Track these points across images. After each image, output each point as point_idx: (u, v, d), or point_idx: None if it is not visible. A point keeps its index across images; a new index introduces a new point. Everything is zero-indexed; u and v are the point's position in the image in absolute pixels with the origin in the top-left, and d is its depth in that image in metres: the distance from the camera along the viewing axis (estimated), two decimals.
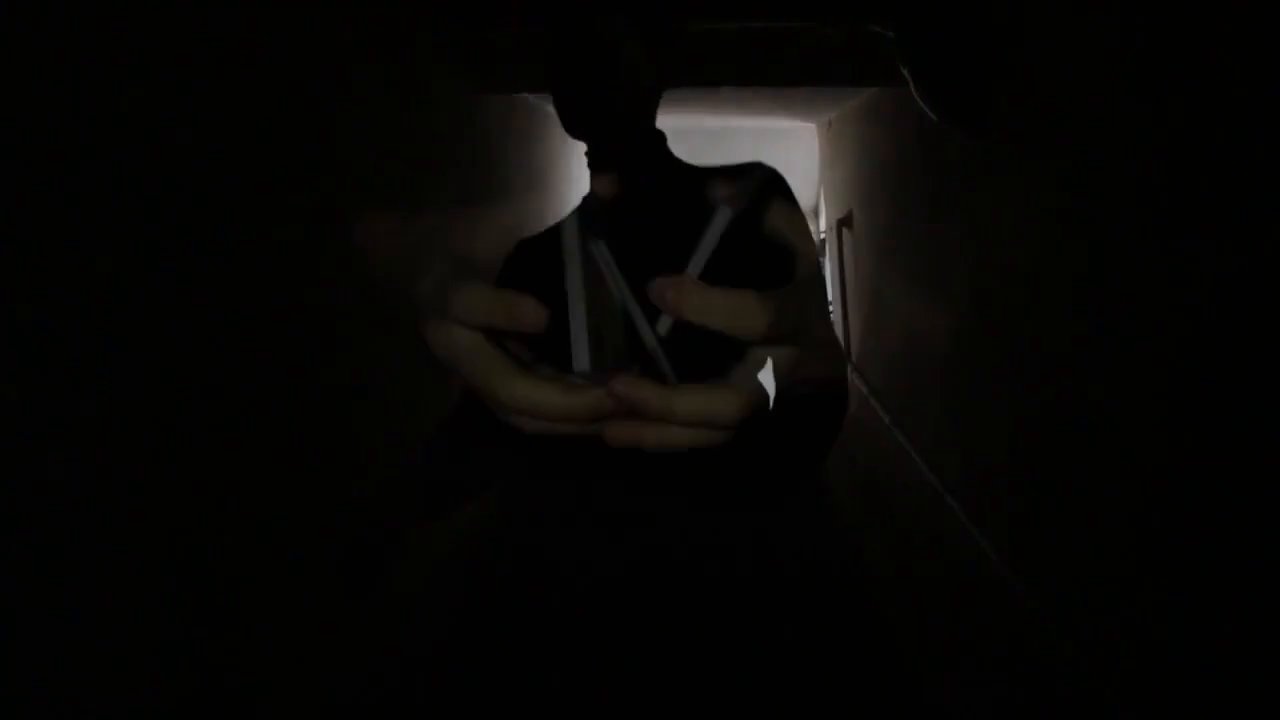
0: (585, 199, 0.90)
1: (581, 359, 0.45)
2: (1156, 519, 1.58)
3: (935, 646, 2.00)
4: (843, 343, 4.45)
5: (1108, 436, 1.76)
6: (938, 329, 3.00)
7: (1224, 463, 1.38)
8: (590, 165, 0.92)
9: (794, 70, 2.90)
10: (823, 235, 5.12)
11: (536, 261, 0.85)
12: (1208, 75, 1.39)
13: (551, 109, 0.92)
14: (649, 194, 0.84)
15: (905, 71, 2.21)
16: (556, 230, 0.87)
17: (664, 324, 0.49)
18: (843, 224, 4.62)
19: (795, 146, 5.53)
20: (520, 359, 0.71)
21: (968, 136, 2.48)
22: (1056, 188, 1.97)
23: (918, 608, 2.19)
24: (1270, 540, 1.28)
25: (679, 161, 0.90)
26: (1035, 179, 2.09)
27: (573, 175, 4.63)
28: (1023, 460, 2.24)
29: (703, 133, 5.05)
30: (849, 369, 0.90)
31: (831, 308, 4.64)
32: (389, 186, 2.10)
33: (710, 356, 0.73)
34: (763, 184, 0.80)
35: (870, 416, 3.67)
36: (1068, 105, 1.88)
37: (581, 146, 0.93)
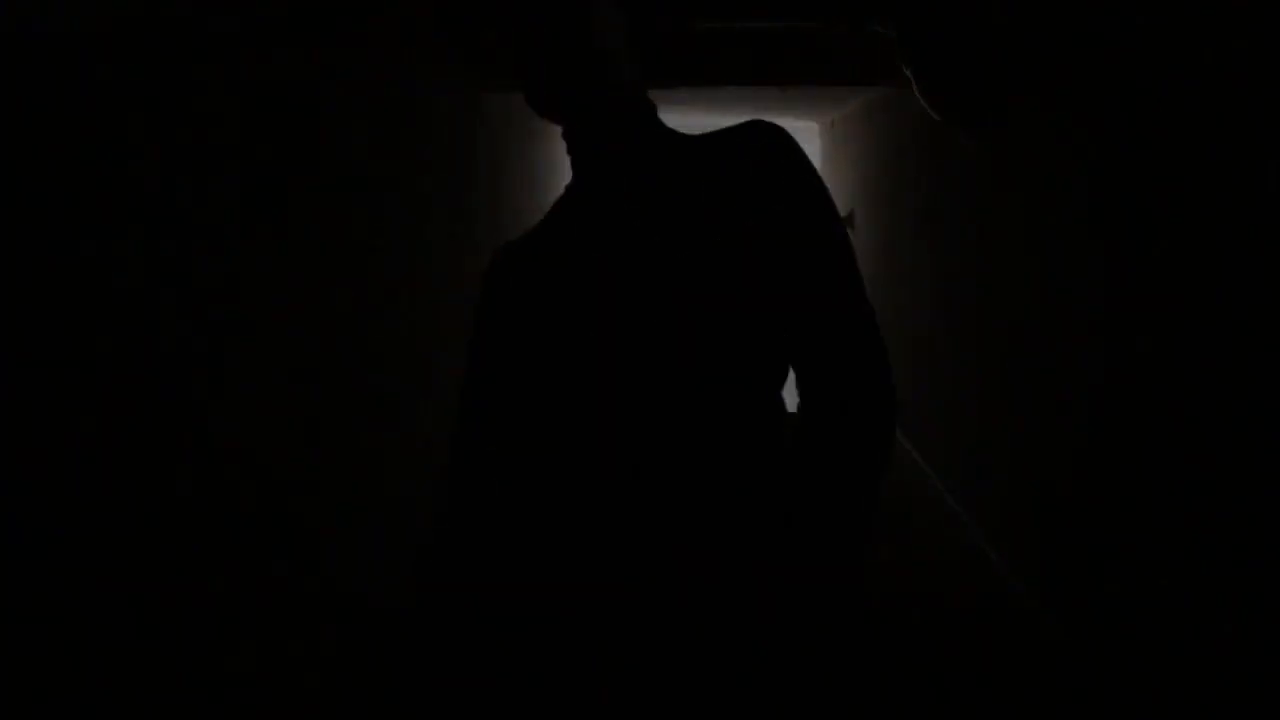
0: (568, 189, 0.85)
1: None
2: (1158, 522, 1.58)
3: (936, 647, 2.00)
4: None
5: (1109, 435, 1.76)
6: (938, 328, 3.00)
7: (1225, 463, 1.38)
8: (570, 150, 0.81)
9: (795, 70, 2.90)
10: None
11: (520, 270, 0.81)
12: (1206, 76, 1.39)
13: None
14: (637, 173, 0.78)
15: (906, 71, 2.21)
16: (537, 233, 0.84)
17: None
18: (844, 223, 4.61)
19: None
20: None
21: (968, 136, 2.48)
22: (1057, 187, 1.97)
23: (919, 609, 2.19)
24: (1268, 538, 1.28)
25: (670, 132, 0.82)
26: (1036, 178, 2.09)
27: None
28: (1025, 460, 2.24)
29: (703, 132, 5.03)
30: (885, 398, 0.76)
31: None
32: (389, 186, 2.11)
33: (675, 389, 0.71)
34: (763, 147, 0.74)
35: None
36: (1066, 105, 1.88)
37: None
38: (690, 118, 4.78)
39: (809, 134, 5.61)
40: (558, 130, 4.63)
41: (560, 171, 4.49)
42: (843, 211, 4.67)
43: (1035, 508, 2.15)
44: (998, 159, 2.34)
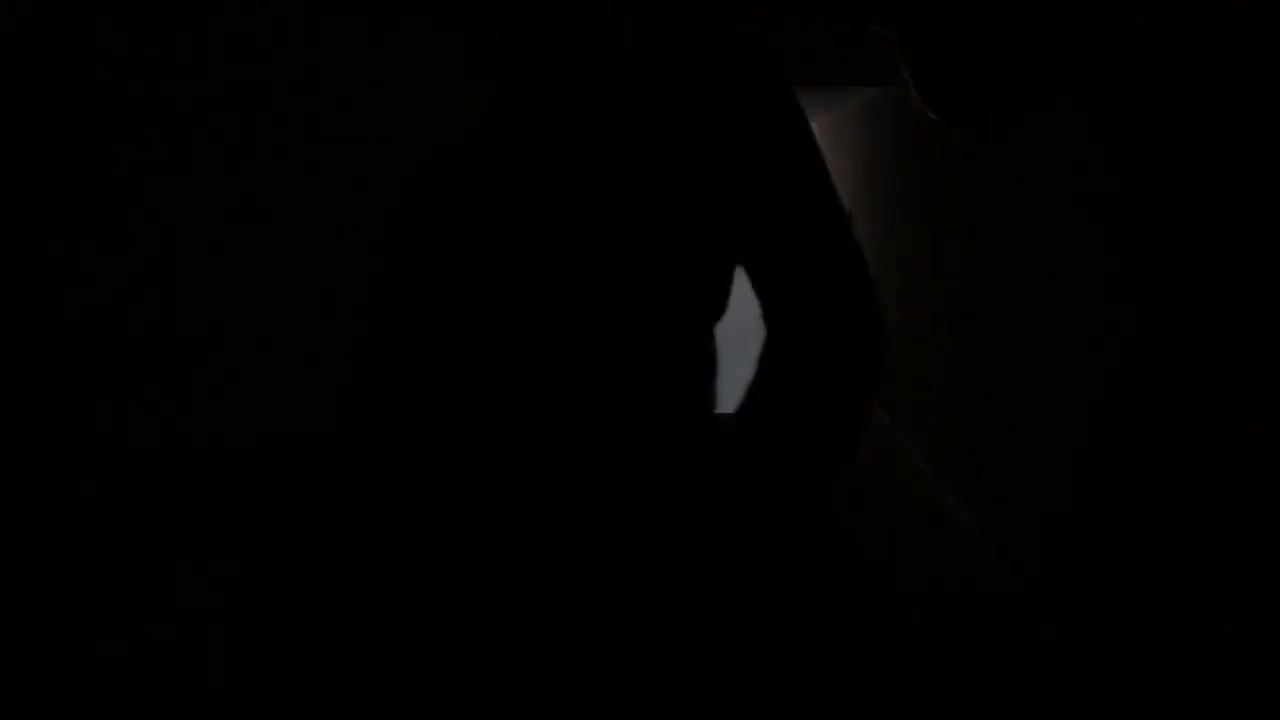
0: (504, 73, 0.69)
1: None
2: (1158, 521, 1.58)
3: (935, 647, 2.00)
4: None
5: (1109, 435, 1.76)
6: (937, 327, 3.00)
7: (1225, 463, 1.38)
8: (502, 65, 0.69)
9: (794, 70, 2.90)
10: None
11: (441, 185, 0.71)
12: (1201, 78, 1.39)
13: None
14: (568, 86, 0.67)
15: (905, 72, 2.21)
16: (479, 137, 0.69)
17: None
18: None
19: None
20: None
21: (966, 137, 2.48)
22: (1055, 187, 1.97)
23: (918, 609, 2.19)
24: (1269, 538, 1.28)
25: (610, 42, 0.68)
26: (1034, 178, 2.09)
27: None
28: (1025, 460, 2.24)
29: None
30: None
31: None
32: (390, 186, 2.10)
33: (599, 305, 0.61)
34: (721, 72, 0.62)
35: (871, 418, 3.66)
36: (1063, 105, 1.88)
37: None
38: None
39: None
40: None
41: None
42: None
43: (1035, 507, 2.15)
44: (997, 159, 2.34)
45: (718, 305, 0.69)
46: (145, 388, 1.86)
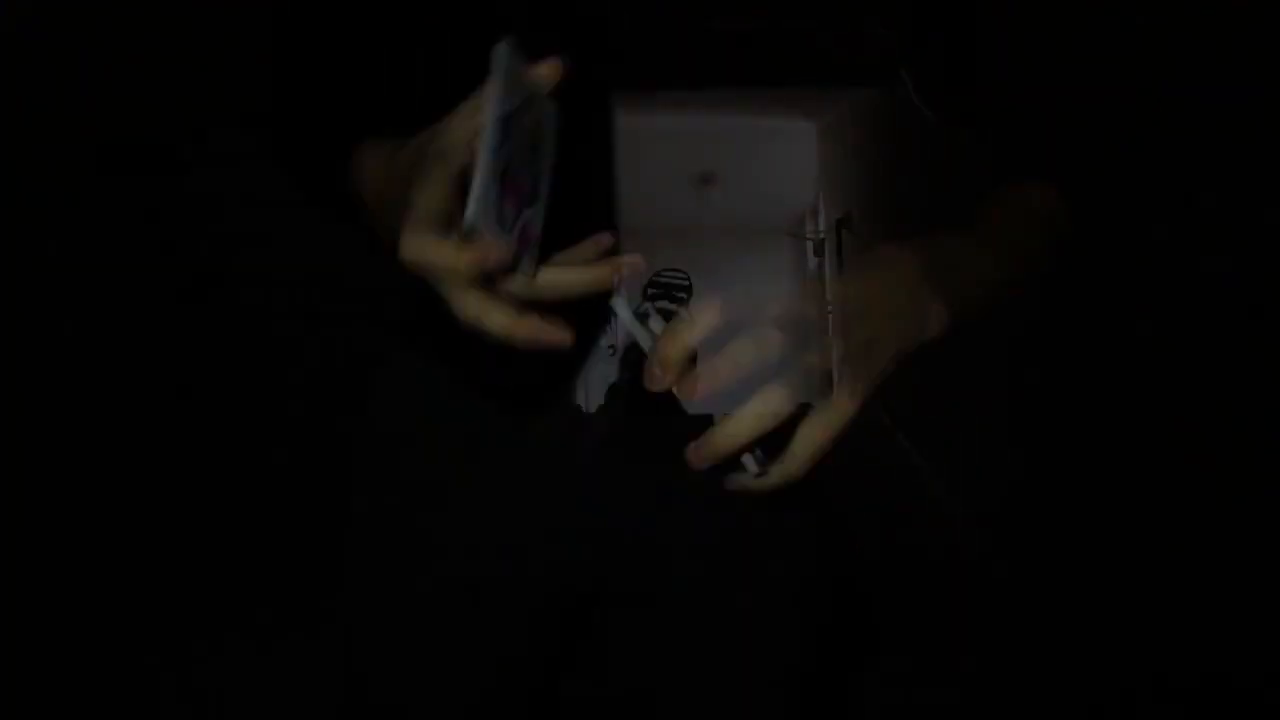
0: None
1: (483, 215, 0.41)
2: (1157, 522, 1.58)
3: (936, 647, 2.00)
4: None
5: (1106, 435, 1.76)
6: None
7: (1218, 466, 1.39)
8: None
9: (793, 70, 2.90)
10: (822, 235, 5.13)
11: None
12: (1201, 77, 1.39)
13: None
14: None
15: (904, 73, 2.21)
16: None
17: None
18: (842, 224, 4.62)
19: (794, 146, 5.53)
20: None
21: (967, 137, 2.48)
22: (1054, 186, 1.97)
23: (917, 609, 2.19)
24: (1267, 539, 1.28)
25: None
26: (1033, 178, 2.08)
27: None
28: (1024, 462, 2.24)
29: (699, 133, 5.03)
30: None
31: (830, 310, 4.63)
32: None
33: None
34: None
35: (870, 417, 3.66)
36: (1063, 104, 1.88)
37: None
38: (684, 118, 4.77)
39: (805, 134, 5.61)
40: None
41: None
42: (840, 212, 4.67)
43: (1035, 506, 2.15)
44: (996, 159, 2.34)
45: None
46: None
